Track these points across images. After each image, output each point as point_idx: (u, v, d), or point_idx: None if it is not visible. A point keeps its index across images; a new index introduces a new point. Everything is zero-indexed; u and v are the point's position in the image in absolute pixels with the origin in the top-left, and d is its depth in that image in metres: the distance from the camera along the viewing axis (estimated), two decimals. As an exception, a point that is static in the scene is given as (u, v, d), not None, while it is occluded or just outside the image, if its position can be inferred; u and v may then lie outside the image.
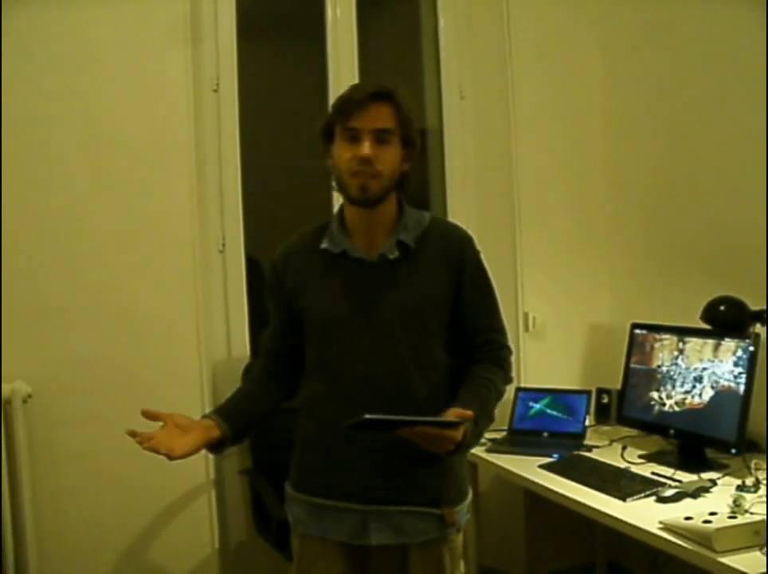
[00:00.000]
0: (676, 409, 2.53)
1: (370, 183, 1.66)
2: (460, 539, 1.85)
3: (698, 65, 2.74)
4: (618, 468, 2.40)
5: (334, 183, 1.74)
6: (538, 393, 2.92)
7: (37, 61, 2.46)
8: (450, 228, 1.87)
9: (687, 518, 1.86)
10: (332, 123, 1.71)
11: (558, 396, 2.89)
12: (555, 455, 2.56)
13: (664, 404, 2.58)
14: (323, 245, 1.76)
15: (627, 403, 2.74)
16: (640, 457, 2.51)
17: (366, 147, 1.64)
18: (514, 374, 2.97)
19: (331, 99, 2.84)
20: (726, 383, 2.38)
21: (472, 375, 1.77)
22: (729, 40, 2.62)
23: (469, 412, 1.60)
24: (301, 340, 1.82)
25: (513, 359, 1.89)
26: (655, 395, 2.62)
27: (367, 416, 1.50)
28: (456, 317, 1.79)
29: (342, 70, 2.95)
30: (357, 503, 1.74)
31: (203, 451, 1.72)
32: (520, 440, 2.79)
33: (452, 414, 1.61)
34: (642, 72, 2.99)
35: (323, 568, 1.79)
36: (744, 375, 2.33)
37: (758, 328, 2.38)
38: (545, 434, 2.82)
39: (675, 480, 2.23)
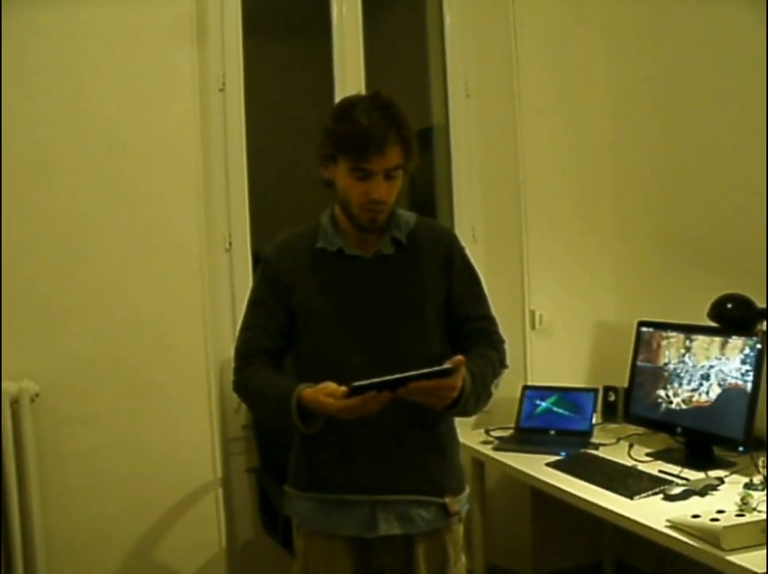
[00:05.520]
0: (683, 407, 2.53)
1: (379, 217, 1.73)
2: (462, 530, 1.89)
3: (702, 63, 2.74)
4: (625, 466, 2.40)
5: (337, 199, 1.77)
6: (545, 391, 2.92)
7: (40, 61, 2.46)
8: (435, 226, 1.96)
9: (695, 516, 1.86)
10: (336, 152, 1.69)
11: (564, 394, 2.89)
12: (562, 453, 2.56)
13: (671, 402, 2.58)
14: (320, 244, 1.80)
15: (634, 401, 2.73)
16: (647, 455, 2.50)
17: (379, 191, 1.69)
18: (520, 372, 3.03)
19: (337, 98, 2.86)
20: (733, 381, 2.38)
21: (468, 352, 1.78)
22: (731, 39, 2.62)
23: (460, 357, 1.58)
24: (292, 338, 1.84)
25: (507, 348, 1.91)
26: (662, 392, 2.61)
27: (355, 384, 1.53)
28: (449, 309, 1.83)
29: (349, 69, 2.95)
30: (365, 495, 1.76)
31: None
32: (527, 438, 2.79)
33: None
34: (647, 69, 2.98)
35: (329, 566, 1.80)
36: (751, 373, 2.32)
37: (765, 325, 2.37)
38: (552, 432, 2.82)
39: (682, 478, 2.22)
